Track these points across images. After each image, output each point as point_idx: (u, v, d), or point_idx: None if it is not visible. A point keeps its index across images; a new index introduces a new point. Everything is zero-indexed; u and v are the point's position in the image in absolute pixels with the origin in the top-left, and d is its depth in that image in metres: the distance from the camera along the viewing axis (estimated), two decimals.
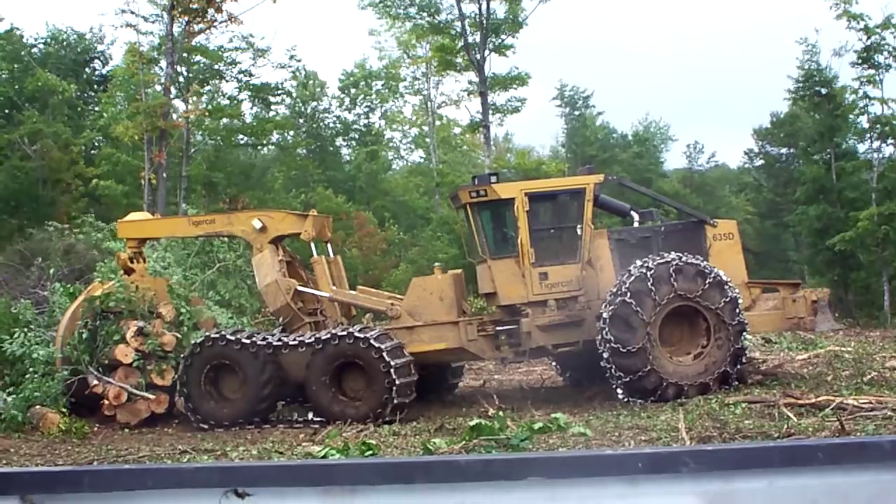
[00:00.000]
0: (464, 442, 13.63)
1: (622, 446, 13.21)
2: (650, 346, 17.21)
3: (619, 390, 17.54)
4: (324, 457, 13.34)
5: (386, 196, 56.88)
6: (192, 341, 18.81)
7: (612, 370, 17.41)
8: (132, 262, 20.34)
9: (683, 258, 17.58)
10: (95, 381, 18.77)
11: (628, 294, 17.26)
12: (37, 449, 16.26)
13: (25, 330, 19.67)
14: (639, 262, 17.70)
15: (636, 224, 19.92)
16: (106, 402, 18.72)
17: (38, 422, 17.94)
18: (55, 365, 18.92)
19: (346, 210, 45.61)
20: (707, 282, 17.36)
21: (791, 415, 14.49)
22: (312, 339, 18.08)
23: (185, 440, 17.00)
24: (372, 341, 17.62)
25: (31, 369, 18.76)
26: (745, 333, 17.69)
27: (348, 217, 44.35)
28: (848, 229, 38.42)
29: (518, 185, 19.39)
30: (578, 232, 18.73)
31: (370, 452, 13.39)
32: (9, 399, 18.38)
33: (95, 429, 18.27)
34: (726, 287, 17.49)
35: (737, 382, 17.67)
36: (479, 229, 19.36)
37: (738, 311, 17.50)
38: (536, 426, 14.40)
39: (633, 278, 17.40)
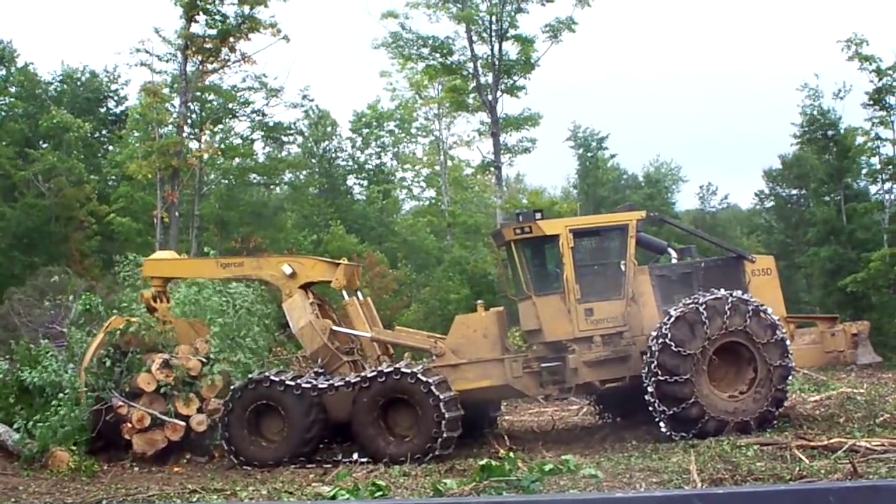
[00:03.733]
0: (474, 483, 13.58)
1: (633, 488, 13.16)
2: (696, 378, 17.31)
3: (662, 424, 17.55)
4: (333, 497, 13.30)
5: (396, 236, 56.92)
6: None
7: (656, 400, 17.48)
8: (155, 301, 20.38)
9: (740, 296, 17.79)
10: (120, 403, 18.82)
11: (681, 323, 17.50)
12: (46, 487, 16.27)
13: (45, 363, 19.74)
14: (706, 294, 17.93)
15: (673, 261, 19.96)
16: (129, 425, 18.76)
17: (47, 460, 17.93)
18: (79, 395, 18.94)
19: (357, 250, 45.61)
20: (763, 322, 17.63)
21: (803, 457, 14.42)
22: (371, 374, 18.14)
23: (195, 479, 16.97)
24: (426, 380, 17.74)
25: (59, 396, 18.80)
26: (790, 377, 18.01)
27: (360, 257, 44.38)
28: (859, 270, 38.28)
29: (562, 222, 19.52)
30: (622, 268, 18.81)
31: (380, 493, 13.34)
32: (37, 427, 18.43)
33: (105, 467, 18.24)
34: (778, 329, 17.67)
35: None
36: (524, 266, 19.38)
37: (786, 353, 17.66)
38: (547, 468, 14.35)
39: (689, 309, 17.61)
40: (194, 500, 14.70)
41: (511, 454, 15.78)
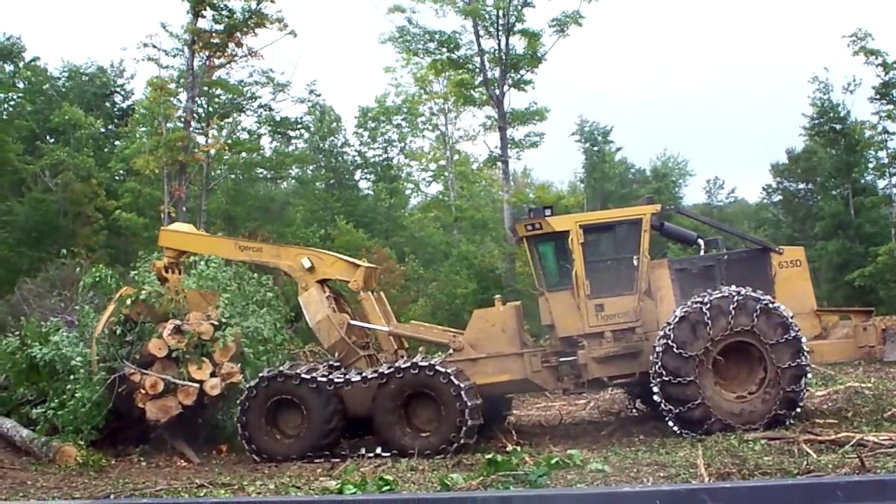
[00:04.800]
0: (481, 478, 13.57)
1: (641, 483, 13.15)
2: (701, 379, 17.11)
3: (671, 422, 17.36)
4: (340, 491, 13.31)
5: (404, 231, 56.88)
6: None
7: (662, 400, 17.37)
8: (167, 271, 20.35)
9: (749, 293, 17.41)
10: (132, 371, 18.71)
11: (684, 324, 17.26)
12: (54, 482, 16.24)
13: (55, 339, 19.76)
14: (713, 292, 17.63)
15: (703, 252, 19.79)
16: (142, 392, 18.69)
17: (55, 455, 17.94)
18: (91, 367, 18.91)
19: (366, 245, 45.61)
20: (773, 321, 17.20)
21: (811, 451, 14.38)
22: (392, 368, 18.21)
23: (203, 474, 16.97)
24: (459, 383, 17.80)
25: (71, 377, 18.86)
26: (804, 378, 17.25)
27: (368, 252, 44.39)
28: (867, 264, 38.29)
29: (573, 218, 19.37)
30: (635, 263, 18.63)
31: (387, 488, 13.34)
32: (58, 417, 18.46)
33: (113, 462, 18.23)
34: (791, 328, 17.19)
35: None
36: (536, 262, 19.48)
37: (799, 354, 17.13)
38: (554, 462, 14.34)
39: (695, 306, 17.36)
40: (202, 494, 14.69)
41: (518, 448, 15.77)
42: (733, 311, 17.18)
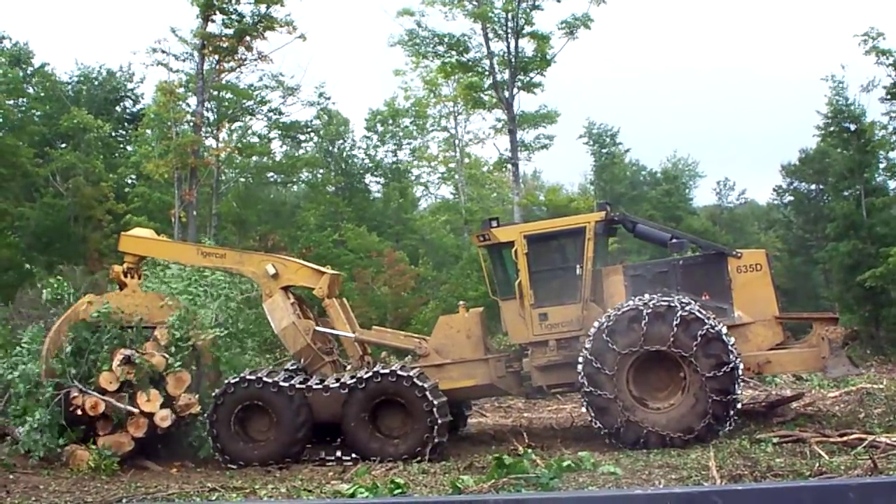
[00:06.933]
0: (493, 480, 13.58)
1: (652, 485, 13.14)
2: (619, 392, 17.01)
3: (601, 433, 17.35)
4: (352, 495, 13.32)
5: (414, 234, 56.79)
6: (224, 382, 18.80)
7: (586, 410, 17.52)
8: (126, 276, 20.24)
9: (654, 301, 17.15)
10: (76, 394, 18.42)
11: (589, 350, 17.21)
12: (66, 486, 16.28)
13: (17, 351, 19.66)
14: (611, 309, 17.59)
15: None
16: (80, 412, 18.34)
17: (67, 459, 17.95)
18: (41, 379, 18.73)
19: (379, 248, 45.54)
20: (675, 325, 16.79)
21: (823, 453, 14.39)
22: (366, 375, 18.13)
23: (214, 478, 16.99)
24: (429, 398, 17.78)
25: (13, 390, 18.80)
26: (735, 385, 16.66)
27: (380, 255, 44.32)
28: (879, 265, 38.02)
29: (518, 228, 19.58)
30: (578, 272, 18.63)
31: (399, 491, 13.34)
32: (22, 429, 18.37)
33: (125, 466, 18.25)
34: (708, 335, 16.73)
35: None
36: (491, 272, 19.91)
37: (722, 360, 16.61)
38: (565, 464, 14.34)
39: (595, 329, 17.28)
40: (214, 498, 14.74)
41: (529, 451, 15.78)
42: (647, 320, 16.92)
